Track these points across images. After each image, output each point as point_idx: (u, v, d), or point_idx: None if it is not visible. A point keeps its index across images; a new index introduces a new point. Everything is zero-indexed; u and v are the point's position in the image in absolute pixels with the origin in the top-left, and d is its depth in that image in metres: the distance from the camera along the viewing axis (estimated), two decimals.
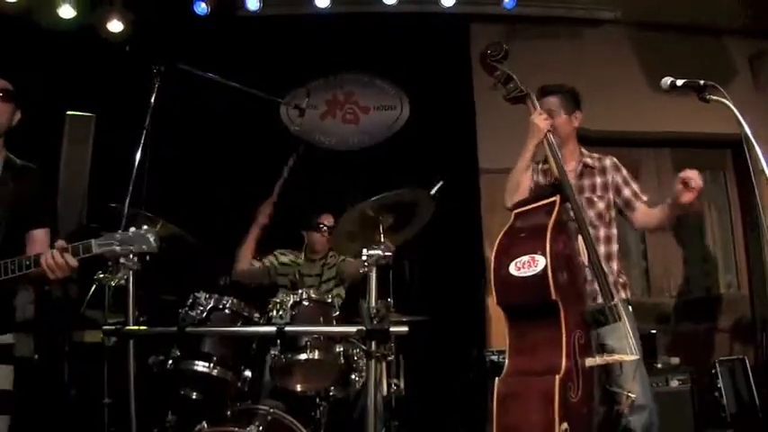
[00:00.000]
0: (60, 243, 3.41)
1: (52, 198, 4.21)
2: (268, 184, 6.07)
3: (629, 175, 4.56)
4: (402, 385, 4.99)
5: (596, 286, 3.87)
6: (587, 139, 7.08)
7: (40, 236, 3.70)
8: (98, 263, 3.39)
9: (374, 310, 3.21)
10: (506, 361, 3.68)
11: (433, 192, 4.62)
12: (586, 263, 3.88)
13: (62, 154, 5.94)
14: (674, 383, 5.85)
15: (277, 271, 5.94)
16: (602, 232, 4.35)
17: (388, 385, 4.78)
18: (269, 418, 4.07)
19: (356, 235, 4.08)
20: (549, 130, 4.18)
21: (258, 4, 6.95)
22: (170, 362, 3.96)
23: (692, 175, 3.93)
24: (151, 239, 3.26)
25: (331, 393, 4.42)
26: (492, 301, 3.81)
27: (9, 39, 6.36)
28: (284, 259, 5.99)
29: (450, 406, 6.21)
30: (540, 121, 4.17)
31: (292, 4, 7.23)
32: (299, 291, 4.38)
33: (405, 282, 6.36)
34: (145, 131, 4.06)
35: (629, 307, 4.32)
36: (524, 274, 3.53)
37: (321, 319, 4.31)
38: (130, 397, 3.43)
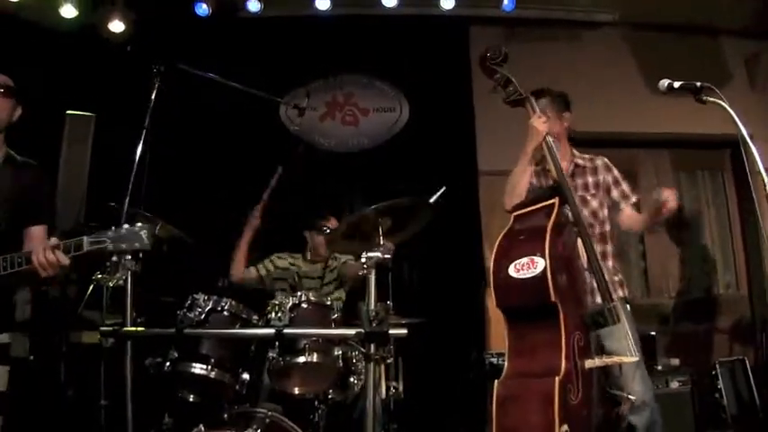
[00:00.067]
0: (52, 240, 3.40)
1: (51, 195, 4.19)
2: (267, 184, 6.06)
3: (620, 175, 4.62)
4: (401, 388, 4.98)
5: (595, 287, 3.88)
6: (586, 141, 7.14)
7: (37, 232, 3.69)
8: (96, 263, 3.37)
9: (373, 313, 3.21)
10: (506, 363, 3.68)
11: (433, 200, 4.61)
12: (585, 265, 3.89)
13: (61, 153, 5.93)
14: (674, 385, 5.85)
15: (272, 275, 5.92)
16: (597, 230, 4.40)
17: (387, 388, 4.77)
18: (267, 420, 4.06)
19: (355, 236, 4.08)
20: (547, 133, 4.18)
21: (259, 5, 6.97)
22: (167, 364, 3.95)
23: (671, 198, 4.13)
24: (144, 237, 3.21)
25: (329, 396, 4.41)
26: (491, 304, 3.80)
27: (11, 37, 6.36)
28: (281, 263, 5.96)
29: (450, 409, 6.21)
30: (539, 124, 4.18)
31: (293, 5, 7.24)
32: (298, 293, 4.37)
33: (404, 284, 6.36)
34: (145, 131, 4.04)
35: (627, 306, 4.33)
36: (524, 276, 3.53)
37: (320, 321, 4.30)
38: (127, 399, 3.42)
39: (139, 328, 3.43)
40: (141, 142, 4.04)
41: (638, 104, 7.24)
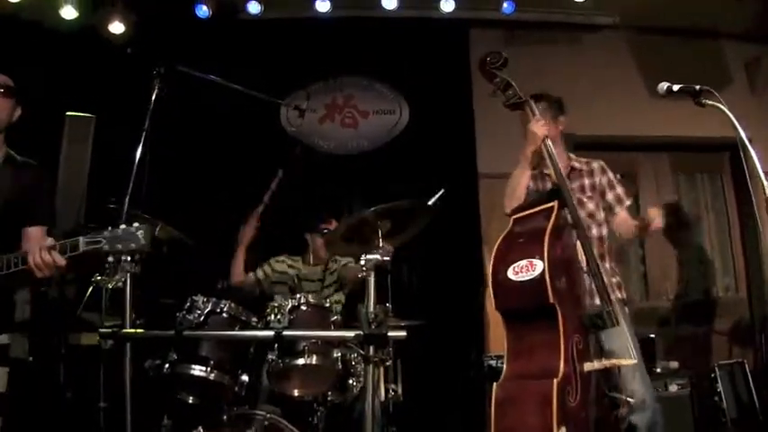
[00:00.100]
0: (48, 241, 3.40)
1: (51, 196, 4.18)
2: (267, 187, 6.07)
3: (615, 179, 4.66)
4: (400, 390, 4.98)
5: (594, 289, 3.89)
6: (586, 144, 7.15)
7: (35, 233, 3.69)
8: (96, 265, 3.36)
9: (372, 315, 3.21)
10: (504, 365, 3.69)
11: (431, 202, 4.62)
12: (584, 268, 3.89)
13: (61, 154, 5.93)
14: (674, 388, 5.85)
15: (271, 280, 5.92)
16: (594, 232, 4.41)
17: (386, 390, 4.77)
18: (266, 423, 4.06)
19: (354, 239, 4.08)
20: (546, 137, 4.20)
21: (259, 7, 6.98)
22: (167, 365, 3.94)
23: (657, 218, 4.21)
24: (140, 237, 3.19)
25: (328, 398, 4.41)
26: (490, 306, 3.81)
27: (11, 38, 6.37)
28: (280, 267, 5.96)
29: (449, 411, 6.21)
30: (537, 128, 4.22)
31: (293, 7, 7.24)
32: (298, 295, 4.37)
33: (403, 286, 6.36)
34: (145, 133, 4.04)
35: (626, 307, 4.35)
36: (522, 279, 3.54)
37: (319, 323, 4.30)
38: (126, 401, 3.42)
39: (139, 330, 3.43)
40: (141, 144, 4.04)
41: (637, 107, 7.25)
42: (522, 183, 4.41)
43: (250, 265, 5.96)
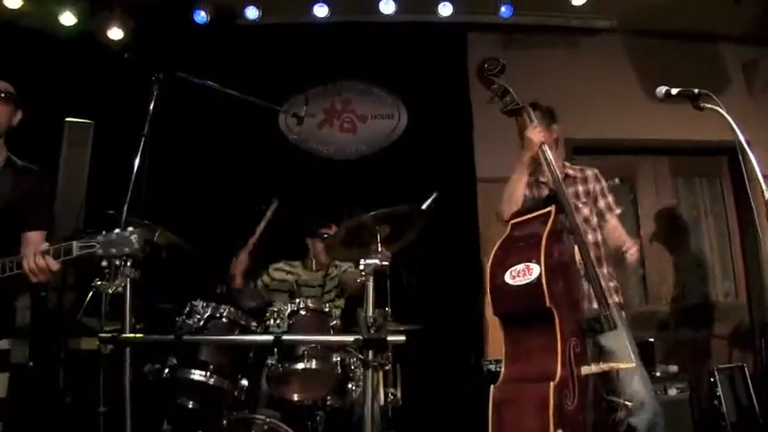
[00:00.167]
0: (42, 245, 3.40)
1: (51, 201, 4.18)
2: (266, 192, 6.07)
3: (607, 187, 4.68)
4: (399, 394, 4.98)
5: (592, 294, 3.90)
6: (585, 148, 7.16)
7: (34, 238, 3.69)
8: (95, 269, 3.36)
9: (371, 320, 3.22)
10: (502, 369, 3.69)
11: (425, 206, 4.62)
12: (582, 272, 3.90)
13: (60, 160, 5.93)
14: (673, 392, 5.85)
15: (269, 287, 5.91)
16: (590, 237, 4.42)
17: (385, 394, 4.77)
18: (265, 427, 4.06)
19: (353, 243, 4.09)
20: (543, 143, 4.23)
21: (257, 12, 6.98)
22: (166, 370, 3.95)
23: (633, 252, 4.26)
24: (134, 242, 3.18)
25: (328, 403, 4.41)
26: (489, 310, 3.82)
27: (10, 44, 6.37)
28: (278, 275, 5.95)
29: (448, 415, 6.20)
30: (534, 134, 4.28)
31: (291, 12, 7.24)
32: (297, 300, 4.37)
33: (402, 291, 6.36)
34: (144, 139, 4.04)
35: (623, 311, 4.36)
36: (519, 283, 3.56)
37: (318, 328, 4.30)
38: (126, 405, 3.43)
39: (138, 335, 3.43)
40: (140, 149, 4.04)
41: (636, 111, 7.25)
42: (519, 189, 4.43)
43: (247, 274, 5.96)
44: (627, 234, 4.55)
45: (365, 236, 3.96)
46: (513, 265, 3.61)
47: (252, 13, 6.98)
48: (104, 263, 3.21)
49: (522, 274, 3.55)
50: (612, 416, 3.94)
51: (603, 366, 3.75)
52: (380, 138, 7.48)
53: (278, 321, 4.15)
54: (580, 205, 4.48)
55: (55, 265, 3.30)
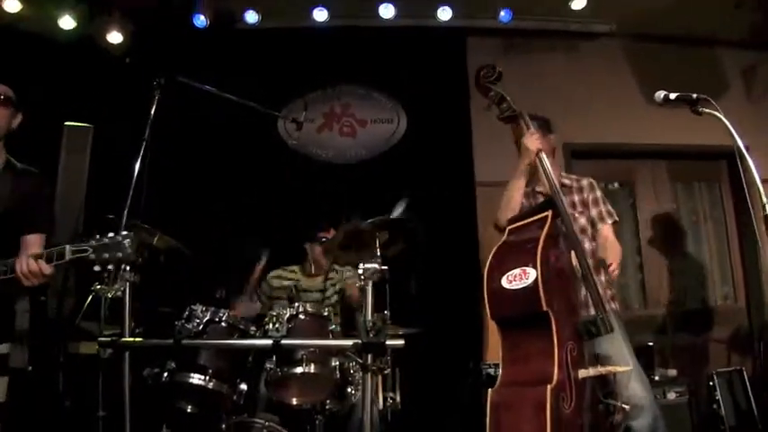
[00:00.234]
0: (35, 249, 3.40)
1: (51, 204, 4.18)
2: (265, 198, 6.07)
3: (602, 196, 4.67)
4: (398, 398, 4.97)
5: (589, 298, 3.91)
6: (584, 152, 7.17)
7: (33, 241, 3.68)
8: (95, 274, 3.35)
9: (370, 323, 3.22)
10: (500, 372, 3.70)
11: (395, 215, 4.65)
12: (579, 276, 3.91)
13: (60, 164, 5.94)
14: (672, 396, 5.86)
15: (272, 295, 5.90)
16: (587, 246, 4.41)
17: (384, 399, 4.77)
18: (264, 431, 4.07)
19: (351, 247, 4.10)
20: (539, 149, 4.25)
21: (257, 16, 6.99)
22: (165, 374, 3.96)
23: (614, 269, 4.19)
24: (126, 247, 3.18)
25: (327, 407, 4.42)
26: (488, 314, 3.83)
27: (9, 48, 6.38)
28: (277, 283, 5.92)
29: (447, 419, 6.20)
30: (531, 141, 4.30)
31: (290, 17, 7.24)
32: (296, 304, 4.37)
33: (401, 294, 6.36)
34: (144, 143, 4.04)
35: (620, 319, 4.36)
36: (516, 287, 3.57)
37: (317, 332, 4.31)
38: (125, 409, 3.43)
39: (137, 339, 3.44)
40: (140, 154, 4.04)
41: (635, 115, 7.26)
42: (516, 196, 4.45)
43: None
44: (618, 244, 4.54)
45: (365, 238, 3.97)
46: (510, 270, 3.62)
47: (251, 17, 6.99)
48: (97, 267, 3.20)
49: (519, 278, 3.56)
50: (610, 419, 3.95)
51: (601, 369, 3.76)
52: (380, 142, 7.48)
53: (277, 326, 4.15)
54: (576, 215, 4.48)
55: (48, 269, 3.30)
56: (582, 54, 7.73)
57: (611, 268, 4.11)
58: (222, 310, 4.17)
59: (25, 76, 4.44)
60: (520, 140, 4.40)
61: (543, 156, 4.26)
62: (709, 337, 7.47)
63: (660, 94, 3.60)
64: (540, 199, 4.49)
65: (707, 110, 3.42)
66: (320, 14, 7.02)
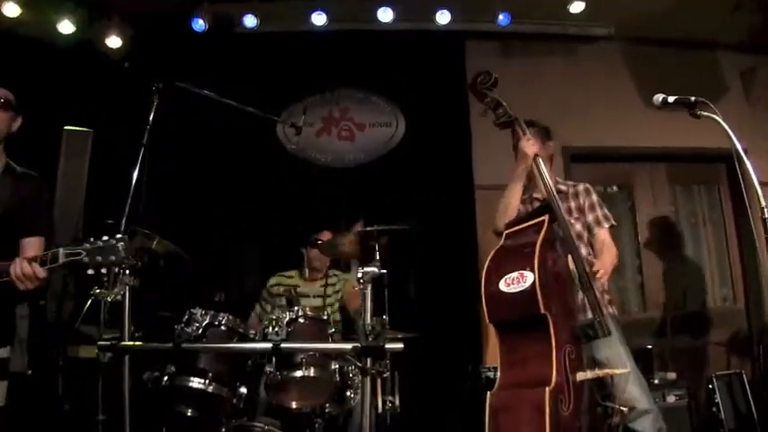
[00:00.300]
0: (29, 253, 3.40)
1: (50, 207, 4.18)
2: (264, 202, 6.07)
3: (598, 200, 4.68)
4: (397, 402, 4.97)
5: (586, 301, 3.92)
6: (583, 155, 7.17)
7: (32, 244, 3.66)
8: (94, 277, 3.35)
9: (369, 327, 3.22)
10: (498, 375, 3.71)
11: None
12: (576, 280, 3.93)
13: (59, 169, 5.94)
14: (671, 399, 5.85)
15: (275, 303, 5.88)
16: (583, 251, 4.40)
17: (384, 402, 4.77)
18: None
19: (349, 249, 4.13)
20: (536, 155, 4.29)
21: (255, 20, 6.98)
22: (165, 378, 3.96)
23: (601, 274, 4.11)
24: (120, 250, 3.17)
25: (326, 410, 4.42)
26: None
27: (9, 52, 6.37)
28: (276, 290, 5.88)
29: (446, 423, 6.20)
30: (528, 147, 4.34)
31: (289, 21, 7.25)
32: (296, 308, 4.38)
33: (400, 298, 6.36)
34: (143, 148, 4.05)
35: (618, 323, 4.37)
36: (513, 290, 3.59)
37: (317, 336, 4.31)
38: (125, 413, 3.43)
39: (137, 343, 3.44)
40: (139, 159, 4.04)
41: (633, 118, 7.26)
42: (513, 201, 4.49)
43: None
44: (614, 248, 4.55)
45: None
46: (508, 273, 3.64)
47: (250, 21, 6.98)
48: (91, 271, 3.20)
49: (517, 281, 3.58)
50: (608, 421, 3.96)
51: (598, 372, 3.77)
52: (378, 146, 7.48)
53: (276, 329, 4.15)
54: (572, 221, 4.49)
55: (42, 272, 3.29)
56: (580, 57, 7.74)
57: (599, 275, 4.10)
58: (221, 314, 4.18)
59: (24, 80, 4.43)
60: (517, 145, 4.43)
61: (540, 161, 4.30)
62: (708, 339, 7.46)
63: (659, 97, 3.61)
64: (538, 205, 4.51)
65: (705, 113, 3.43)
66: (319, 18, 7.03)
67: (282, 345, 3.46)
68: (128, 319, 3.49)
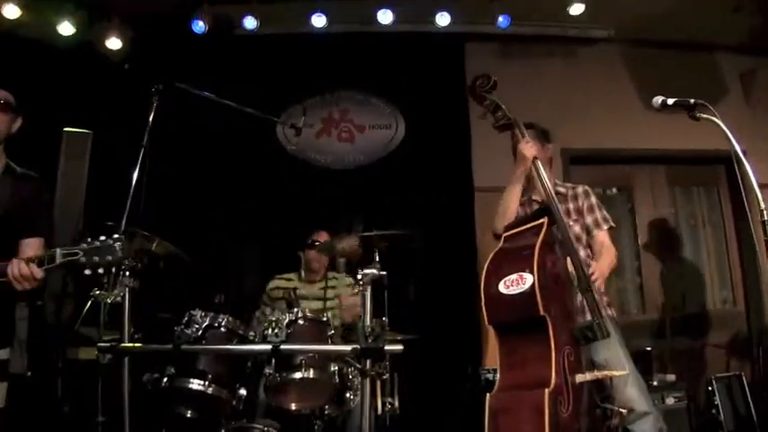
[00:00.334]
0: (27, 253, 3.40)
1: (50, 208, 4.17)
2: (264, 203, 6.06)
3: (597, 202, 4.68)
4: (397, 404, 4.97)
5: (585, 303, 3.92)
6: (582, 157, 7.17)
7: (32, 245, 3.65)
8: (94, 279, 3.35)
9: (369, 329, 3.22)
10: (498, 377, 3.72)
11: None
12: (575, 282, 3.93)
13: (59, 170, 5.94)
14: (671, 401, 5.86)
15: (273, 306, 5.86)
16: (581, 253, 4.41)
17: (383, 404, 4.77)
18: None
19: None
20: (535, 157, 4.30)
21: (255, 22, 6.98)
22: (165, 379, 3.96)
23: (596, 277, 4.10)
24: (117, 250, 3.16)
25: (326, 412, 4.42)
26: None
27: (9, 54, 6.38)
28: (275, 294, 5.84)
29: (445, 425, 6.20)
30: (526, 149, 4.35)
31: (289, 22, 7.24)
32: (295, 309, 4.38)
33: (400, 300, 6.36)
34: (143, 149, 4.05)
35: (617, 325, 4.38)
36: (513, 292, 3.60)
37: (316, 337, 4.31)
38: (125, 415, 3.43)
39: (137, 344, 3.44)
40: (139, 160, 4.04)
41: (633, 120, 7.26)
42: (512, 204, 4.51)
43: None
44: (613, 249, 4.55)
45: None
46: (507, 275, 3.65)
47: (250, 23, 6.98)
48: (88, 271, 3.19)
49: (516, 283, 3.59)
50: (607, 423, 3.96)
51: (597, 374, 3.78)
52: (378, 147, 7.49)
53: (276, 331, 4.15)
54: (571, 223, 4.49)
55: (39, 272, 3.28)
56: (580, 59, 7.74)
57: (594, 277, 4.10)
58: (221, 316, 4.18)
59: (24, 81, 4.44)
60: (517, 148, 4.44)
61: (539, 163, 4.30)
62: (707, 341, 7.46)
63: (658, 99, 3.62)
64: (536, 207, 4.51)
65: (704, 115, 3.43)
66: (319, 20, 7.02)
67: (282, 346, 3.46)
68: (127, 321, 3.49)
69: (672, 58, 7.55)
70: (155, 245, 4.40)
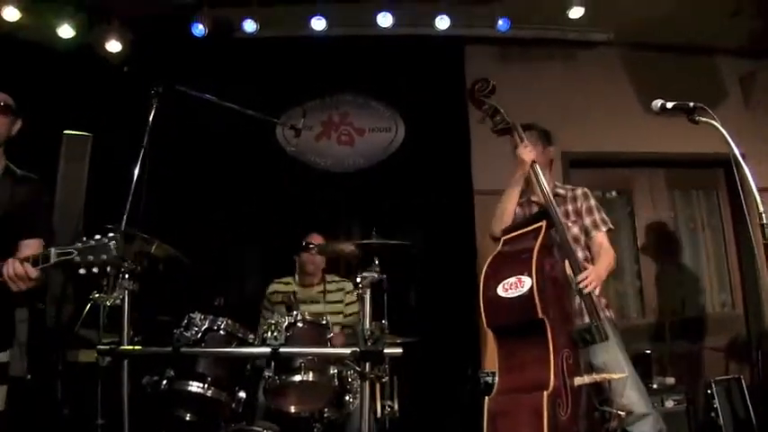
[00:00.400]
0: (21, 253, 3.40)
1: (50, 210, 4.18)
2: (264, 206, 6.06)
3: (596, 204, 4.68)
4: (396, 407, 4.96)
5: (583, 306, 3.93)
6: (581, 161, 7.17)
7: (31, 246, 3.64)
8: (93, 281, 3.35)
9: (368, 332, 3.22)
10: (496, 380, 3.72)
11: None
12: (573, 285, 3.94)
13: (59, 173, 5.94)
14: (670, 404, 5.85)
15: (273, 310, 5.85)
16: (580, 255, 4.42)
17: (382, 407, 4.76)
18: None
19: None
20: (534, 161, 4.31)
21: (255, 25, 6.98)
22: (164, 382, 3.96)
23: (586, 284, 4.05)
24: (112, 249, 3.13)
25: (325, 415, 4.42)
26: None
27: (9, 57, 6.38)
28: (276, 298, 5.83)
29: (445, 427, 6.20)
30: (525, 153, 4.38)
31: (289, 25, 7.24)
32: (294, 312, 4.38)
33: (399, 303, 6.36)
34: (143, 152, 4.05)
35: (616, 327, 4.38)
36: (511, 295, 3.61)
37: (315, 340, 4.31)
38: (124, 417, 3.43)
39: (136, 347, 3.44)
40: (139, 163, 4.04)
41: (632, 124, 7.26)
42: (510, 206, 4.53)
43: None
44: (611, 251, 4.55)
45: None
46: (506, 278, 3.67)
47: (250, 26, 6.98)
48: (83, 270, 3.18)
49: (515, 286, 3.60)
50: (605, 426, 3.97)
51: (596, 377, 3.79)
52: (378, 151, 7.49)
53: (275, 334, 4.15)
54: (570, 224, 4.51)
55: (34, 272, 3.26)
56: (580, 63, 7.75)
57: (585, 283, 4.08)
58: (221, 319, 4.18)
59: (24, 84, 4.44)
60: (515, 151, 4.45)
61: (537, 167, 4.33)
62: (706, 344, 7.46)
63: (657, 102, 3.61)
64: (535, 209, 4.53)
65: (703, 118, 3.43)
66: (318, 23, 7.02)
67: (281, 349, 3.46)
68: (127, 324, 3.49)
69: (671, 61, 7.56)
70: (154, 247, 4.39)
